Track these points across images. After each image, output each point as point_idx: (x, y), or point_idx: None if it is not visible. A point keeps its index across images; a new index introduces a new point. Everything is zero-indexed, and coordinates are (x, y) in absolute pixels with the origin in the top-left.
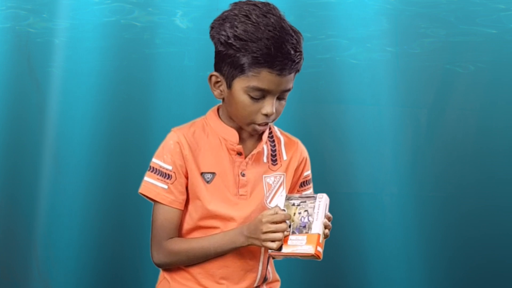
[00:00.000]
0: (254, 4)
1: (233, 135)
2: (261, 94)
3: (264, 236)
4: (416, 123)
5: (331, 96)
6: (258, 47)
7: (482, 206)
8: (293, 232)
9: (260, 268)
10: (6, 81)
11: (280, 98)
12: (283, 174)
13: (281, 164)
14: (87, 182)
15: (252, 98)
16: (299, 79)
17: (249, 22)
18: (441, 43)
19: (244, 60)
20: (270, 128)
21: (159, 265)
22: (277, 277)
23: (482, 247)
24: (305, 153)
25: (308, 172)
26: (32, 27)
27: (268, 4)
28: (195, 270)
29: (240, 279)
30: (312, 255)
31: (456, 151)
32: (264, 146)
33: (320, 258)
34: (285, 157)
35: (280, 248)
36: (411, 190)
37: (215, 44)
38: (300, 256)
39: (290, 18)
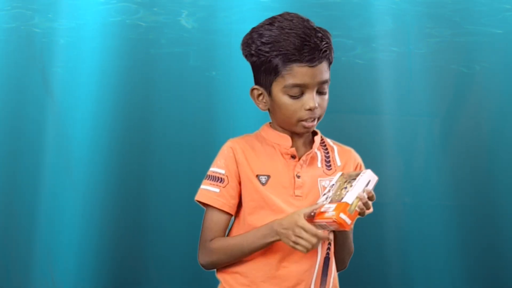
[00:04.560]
0: (279, 15)
1: (286, 140)
2: (300, 91)
3: (294, 239)
4: (423, 129)
5: (338, 102)
6: (284, 45)
7: (496, 214)
8: (331, 202)
9: (315, 275)
10: (12, 81)
11: (320, 92)
12: None
13: (335, 170)
14: (97, 182)
15: (292, 97)
16: None
17: (274, 27)
18: (447, 43)
19: (276, 61)
20: (322, 139)
21: (203, 266)
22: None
23: (497, 255)
24: (359, 159)
25: None
26: (37, 27)
27: (293, 13)
28: (258, 279)
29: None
30: (334, 221)
31: (469, 158)
32: (317, 152)
33: (345, 228)
34: (339, 163)
35: (312, 217)
36: (425, 199)
37: (248, 58)
38: (327, 223)
39: None
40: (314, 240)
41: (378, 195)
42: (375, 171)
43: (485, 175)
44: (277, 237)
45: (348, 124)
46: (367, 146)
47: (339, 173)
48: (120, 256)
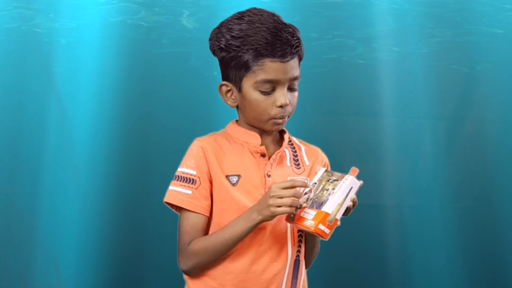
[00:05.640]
0: (247, 10)
1: (255, 138)
2: (271, 87)
3: (271, 201)
4: (424, 130)
5: (338, 101)
6: (256, 40)
7: (499, 217)
8: (311, 206)
9: (285, 277)
10: (13, 81)
11: (290, 88)
12: (307, 179)
13: (304, 169)
14: (98, 183)
15: (263, 93)
16: (303, 81)
17: (243, 21)
18: (448, 43)
19: (247, 56)
20: (289, 138)
21: (186, 271)
22: None
23: (499, 257)
24: (326, 159)
25: None
26: (38, 27)
27: (261, 8)
28: (227, 281)
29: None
30: (312, 232)
31: (471, 158)
32: (286, 150)
33: (324, 238)
34: (307, 162)
35: (292, 219)
36: (431, 202)
37: (216, 53)
38: (305, 230)
39: (297, 18)
40: (291, 191)
41: (380, 197)
42: (373, 172)
43: (486, 176)
44: (258, 218)
45: (349, 124)
46: (368, 146)
47: (323, 169)
48: (120, 256)
